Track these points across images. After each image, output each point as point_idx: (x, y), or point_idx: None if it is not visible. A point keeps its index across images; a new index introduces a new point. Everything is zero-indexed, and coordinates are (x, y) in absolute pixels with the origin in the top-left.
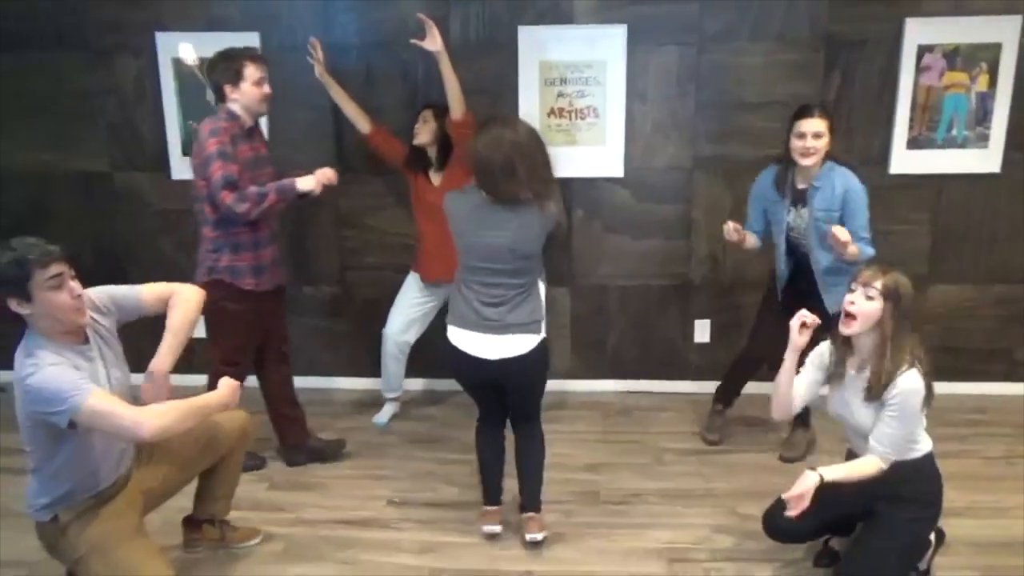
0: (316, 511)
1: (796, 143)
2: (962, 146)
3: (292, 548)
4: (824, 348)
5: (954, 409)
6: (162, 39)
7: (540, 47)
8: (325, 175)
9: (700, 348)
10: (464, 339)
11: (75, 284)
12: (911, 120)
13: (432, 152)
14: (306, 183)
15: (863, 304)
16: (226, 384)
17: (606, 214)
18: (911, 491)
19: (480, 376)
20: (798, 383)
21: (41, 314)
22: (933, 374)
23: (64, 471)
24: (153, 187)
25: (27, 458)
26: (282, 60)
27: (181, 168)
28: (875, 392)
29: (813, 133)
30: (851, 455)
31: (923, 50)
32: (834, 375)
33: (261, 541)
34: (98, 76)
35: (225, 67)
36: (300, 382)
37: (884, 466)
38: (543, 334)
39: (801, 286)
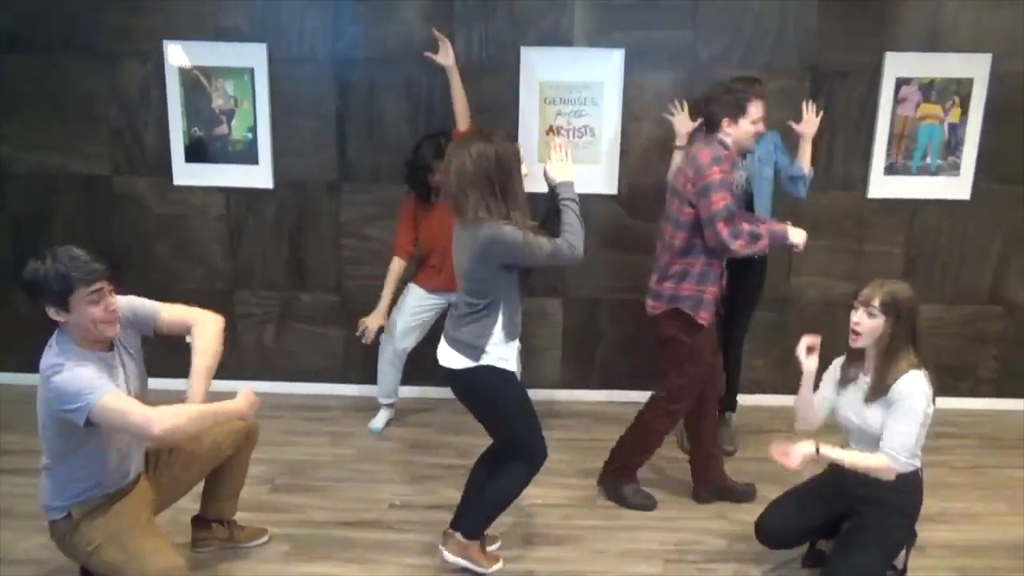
0: (320, 513)
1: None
2: (935, 174)
3: (298, 548)
4: (837, 363)
5: None
6: (170, 47)
7: (540, 68)
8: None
9: None
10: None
11: (112, 299)
12: (888, 148)
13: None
14: (797, 236)
15: (866, 321)
16: (244, 395)
17: (601, 230)
18: (900, 500)
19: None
20: (817, 398)
21: (76, 323)
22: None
23: (78, 471)
24: (153, 192)
25: (41, 456)
26: (288, 70)
27: (183, 174)
28: (875, 391)
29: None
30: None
31: (901, 82)
32: (843, 380)
33: (268, 541)
34: (104, 81)
35: (730, 101)
36: (296, 388)
37: (895, 466)
38: (484, 362)
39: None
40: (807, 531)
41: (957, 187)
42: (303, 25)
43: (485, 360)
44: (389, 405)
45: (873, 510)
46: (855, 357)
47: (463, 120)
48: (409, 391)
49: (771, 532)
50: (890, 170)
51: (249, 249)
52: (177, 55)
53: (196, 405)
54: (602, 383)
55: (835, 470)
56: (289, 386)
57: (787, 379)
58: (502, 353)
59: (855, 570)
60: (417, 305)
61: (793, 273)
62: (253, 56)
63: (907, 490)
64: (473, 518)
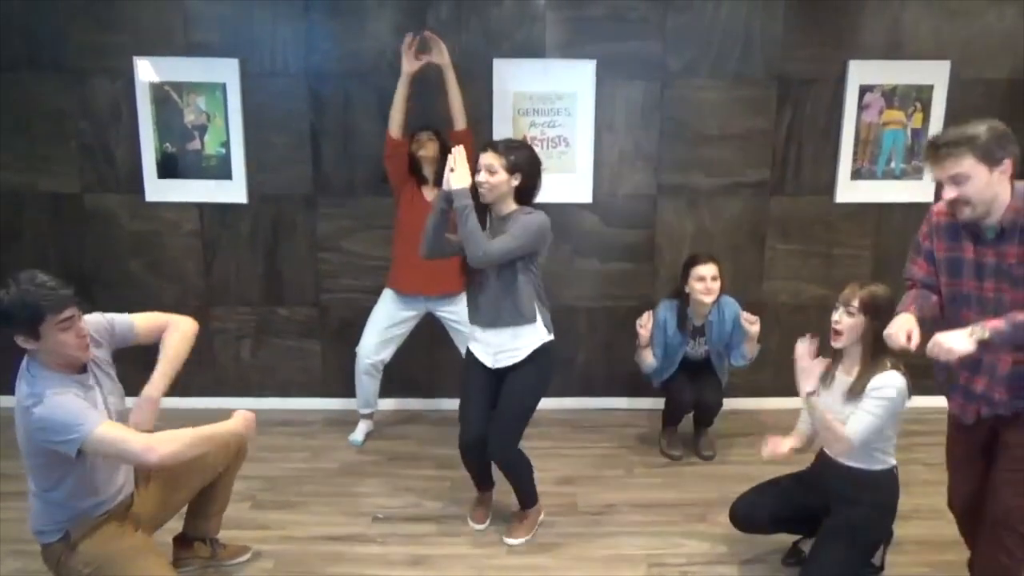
0: (302, 528)
1: (698, 285)
2: (899, 178)
3: (282, 565)
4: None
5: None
6: (140, 63)
7: (514, 79)
8: None
9: None
10: None
11: (82, 324)
12: (855, 153)
13: (431, 169)
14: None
15: (846, 320)
16: (241, 415)
17: (575, 239)
18: (873, 499)
19: None
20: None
21: (47, 350)
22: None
23: (70, 496)
24: (125, 209)
25: (29, 482)
26: (261, 85)
27: (156, 190)
28: (854, 390)
29: (711, 276)
30: (824, 456)
31: (864, 89)
32: (825, 378)
33: (250, 558)
34: (73, 98)
35: None
36: (275, 403)
37: (850, 447)
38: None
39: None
40: (779, 520)
41: (921, 190)
42: (275, 40)
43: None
44: (368, 416)
45: (850, 508)
46: (836, 358)
47: (459, 119)
48: (389, 404)
49: (742, 513)
50: (856, 175)
51: (224, 265)
52: (147, 71)
53: (193, 429)
54: (580, 391)
55: (819, 464)
56: (268, 401)
57: (762, 383)
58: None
59: (833, 567)
60: (391, 318)
61: (765, 278)
62: (225, 71)
63: (883, 488)
64: (527, 492)
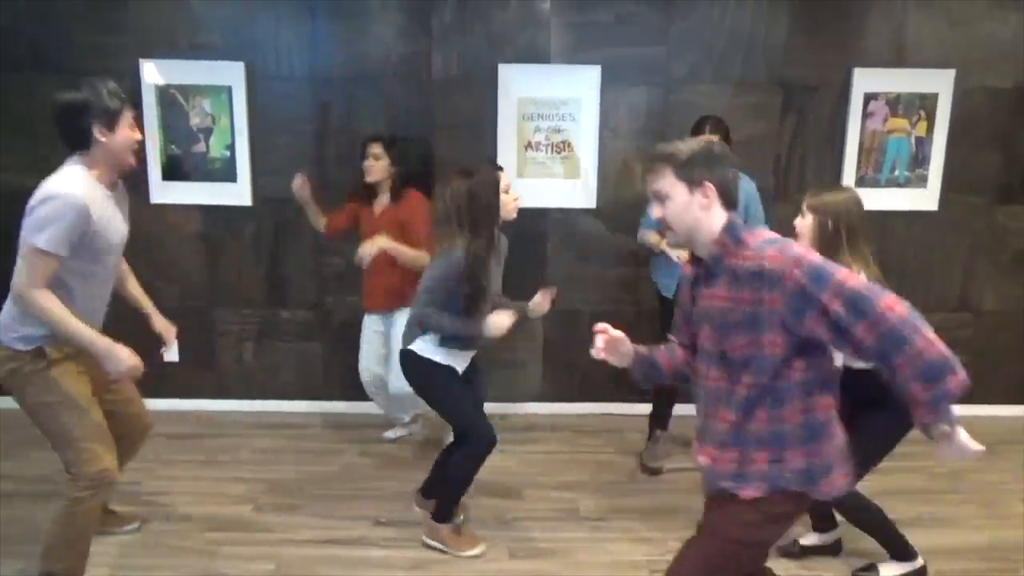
0: (304, 532)
1: None
2: (903, 186)
3: (284, 568)
4: None
5: None
6: (146, 65)
7: (518, 84)
8: None
9: None
10: None
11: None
12: (858, 161)
13: (384, 187)
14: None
15: (800, 222)
16: (130, 354)
17: (579, 243)
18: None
19: None
20: None
21: (112, 146)
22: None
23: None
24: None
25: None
26: (266, 88)
27: (161, 192)
28: None
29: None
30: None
31: (869, 97)
32: None
33: (139, 528)
34: None
35: None
36: (277, 406)
37: None
38: (413, 347)
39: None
40: None
41: (925, 199)
42: (280, 43)
43: (414, 346)
44: (403, 423)
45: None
46: None
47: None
48: None
49: None
50: (860, 183)
51: (228, 267)
52: (153, 73)
53: (75, 322)
54: (583, 396)
55: None
56: (269, 404)
57: None
58: (431, 348)
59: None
60: (368, 335)
61: None
62: (231, 74)
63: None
64: (439, 501)
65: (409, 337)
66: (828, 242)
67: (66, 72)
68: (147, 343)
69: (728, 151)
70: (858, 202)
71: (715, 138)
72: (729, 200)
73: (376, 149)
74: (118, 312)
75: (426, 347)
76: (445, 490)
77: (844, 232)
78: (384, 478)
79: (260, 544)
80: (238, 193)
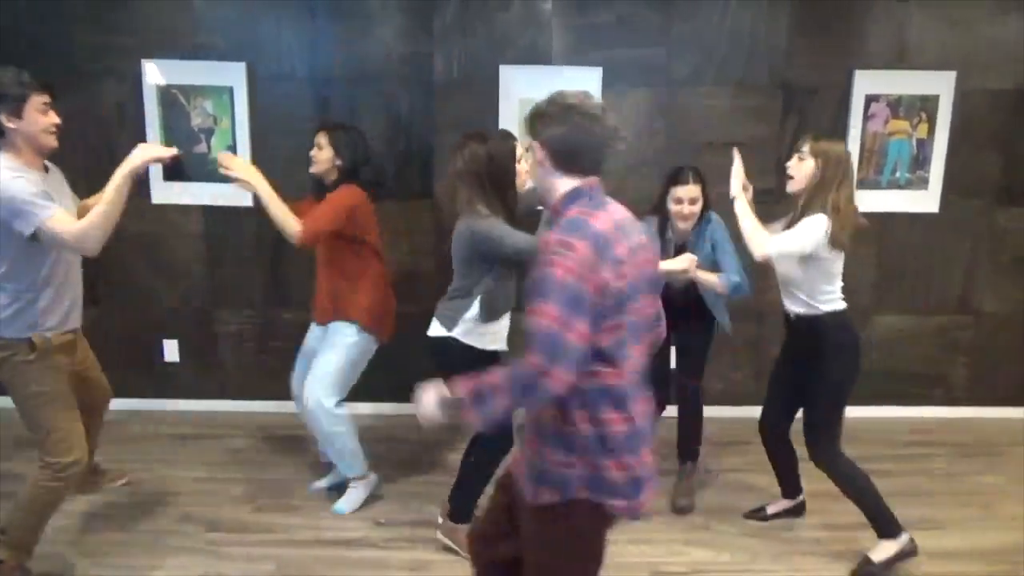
0: (304, 532)
1: (674, 207)
2: (904, 187)
3: (284, 568)
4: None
5: (898, 431)
6: (148, 66)
7: (519, 85)
8: None
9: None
10: None
11: (55, 115)
12: (860, 162)
13: (330, 178)
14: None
15: (796, 165)
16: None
17: None
18: (834, 340)
19: None
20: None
21: (24, 132)
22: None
23: (25, 291)
24: (130, 210)
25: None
26: (268, 89)
27: (161, 192)
28: (791, 226)
29: (689, 199)
30: (787, 323)
31: (870, 99)
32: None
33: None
34: (79, 100)
35: None
36: (278, 407)
37: (767, 252)
38: (455, 333)
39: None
40: (790, 406)
41: (926, 201)
42: (282, 43)
43: (456, 332)
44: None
45: (818, 361)
46: (793, 206)
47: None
48: (389, 408)
49: (768, 423)
50: (861, 185)
51: (228, 267)
52: (154, 74)
53: (98, 205)
54: None
55: (787, 333)
56: (270, 404)
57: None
58: (474, 330)
59: (814, 429)
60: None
61: (767, 287)
62: (232, 74)
63: (835, 327)
64: (454, 501)
65: (450, 321)
66: (823, 183)
67: (69, 72)
68: (146, 342)
69: (588, 105)
70: (848, 152)
71: (699, 187)
72: (569, 162)
73: (321, 139)
74: (113, 297)
75: (471, 331)
76: (461, 490)
77: (840, 175)
78: (384, 479)
79: (260, 544)
80: (239, 193)
